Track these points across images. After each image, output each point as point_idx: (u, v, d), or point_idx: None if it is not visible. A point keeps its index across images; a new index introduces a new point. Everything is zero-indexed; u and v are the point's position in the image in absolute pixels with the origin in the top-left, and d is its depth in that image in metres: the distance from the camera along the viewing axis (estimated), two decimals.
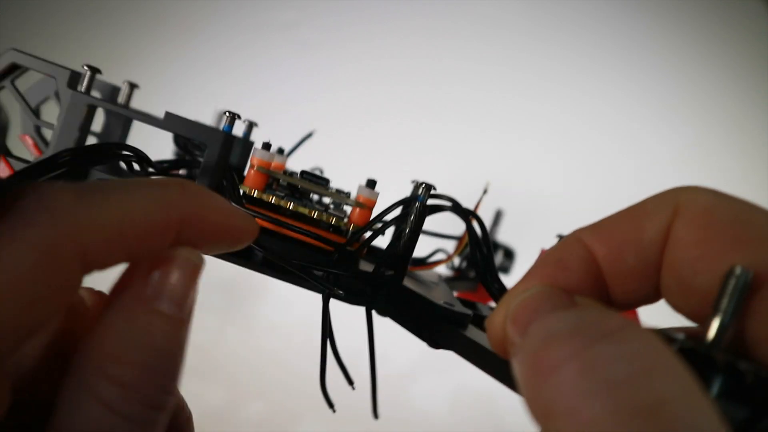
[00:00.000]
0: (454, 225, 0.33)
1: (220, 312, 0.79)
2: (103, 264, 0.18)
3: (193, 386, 0.76)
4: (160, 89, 0.97)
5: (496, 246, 0.48)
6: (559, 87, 0.95)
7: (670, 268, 0.19)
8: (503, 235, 0.49)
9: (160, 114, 0.28)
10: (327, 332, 0.28)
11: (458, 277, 0.40)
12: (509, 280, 0.48)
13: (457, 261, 0.39)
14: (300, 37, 0.99)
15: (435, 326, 0.26)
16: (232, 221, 0.21)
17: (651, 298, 0.20)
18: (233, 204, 0.25)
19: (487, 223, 0.49)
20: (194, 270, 0.20)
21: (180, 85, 0.98)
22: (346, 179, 0.34)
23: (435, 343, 0.27)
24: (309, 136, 0.41)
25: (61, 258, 0.16)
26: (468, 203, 0.32)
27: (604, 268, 0.19)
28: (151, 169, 0.28)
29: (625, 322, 0.16)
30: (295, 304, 0.76)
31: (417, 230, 0.28)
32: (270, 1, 1.00)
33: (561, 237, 0.32)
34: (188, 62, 0.99)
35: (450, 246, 0.37)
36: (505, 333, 0.18)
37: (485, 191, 0.32)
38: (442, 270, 0.36)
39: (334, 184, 0.32)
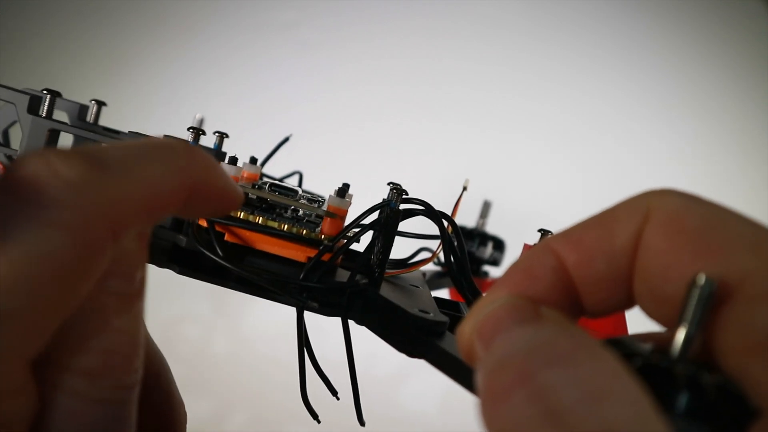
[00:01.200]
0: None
1: (207, 320, 0.79)
2: (127, 235, 0.17)
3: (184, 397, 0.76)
4: (160, 89, 0.97)
5: (486, 237, 0.47)
6: (558, 86, 0.95)
7: (640, 275, 0.18)
8: (494, 227, 0.49)
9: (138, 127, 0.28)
10: (303, 344, 0.28)
11: (446, 272, 0.40)
12: (500, 273, 0.48)
13: (443, 257, 0.39)
14: (300, 37, 0.99)
15: (408, 335, 0.26)
16: (229, 188, 0.21)
17: (625, 305, 0.19)
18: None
19: (475, 215, 0.48)
20: (142, 238, 0.19)
21: (180, 85, 0.98)
22: (339, 179, 0.34)
23: (410, 352, 0.26)
24: (285, 140, 0.40)
25: (97, 238, 0.16)
26: (465, 200, 0.32)
27: (574, 277, 0.19)
28: None
29: (580, 343, 0.15)
30: (282, 311, 0.76)
31: (391, 236, 0.28)
32: (270, 1, 1.00)
33: (543, 231, 0.31)
34: (188, 62, 0.99)
35: (433, 243, 0.37)
36: (472, 345, 0.18)
37: (464, 189, 0.32)
38: (430, 266, 0.36)
39: (324, 186, 0.31)
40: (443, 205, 0.32)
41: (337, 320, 0.30)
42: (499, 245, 0.47)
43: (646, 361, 0.16)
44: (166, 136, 0.25)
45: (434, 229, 0.33)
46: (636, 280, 0.18)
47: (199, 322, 0.80)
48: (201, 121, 0.41)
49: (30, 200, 0.15)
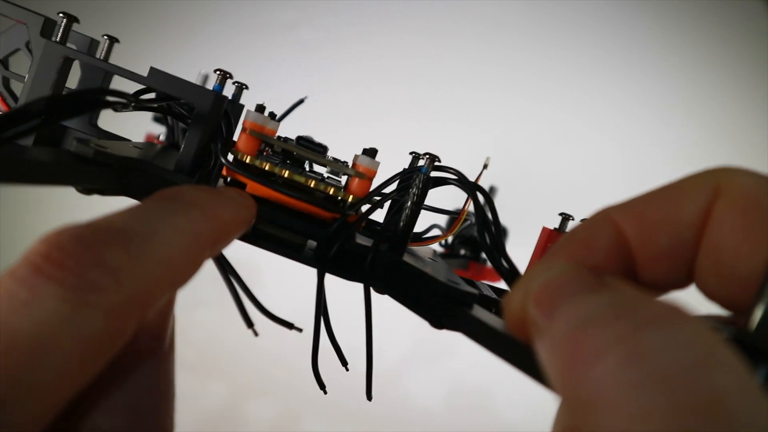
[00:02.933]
0: (447, 201, 0.32)
1: (216, 305, 0.78)
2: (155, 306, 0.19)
3: (194, 384, 0.75)
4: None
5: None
6: (558, 86, 0.95)
7: (708, 252, 0.17)
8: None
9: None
10: (321, 309, 0.26)
11: (449, 254, 0.39)
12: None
13: (450, 238, 0.38)
14: (300, 37, 0.99)
15: (439, 305, 0.24)
16: (242, 226, 0.22)
17: (681, 283, 0.19)
18: (234, 194, 0.24)
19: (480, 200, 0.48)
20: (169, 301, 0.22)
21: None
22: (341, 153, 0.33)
23: (439, 323, 0.25)
24: (301, 101, 0.39)
25: (128, 320, 0.17)
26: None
27: (634, 249, 0.18)
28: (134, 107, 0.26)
29: (672, 308, 0.15)
30: (287, 297, 0.76)
31: (419, 203, 0.27)
32: (270, 2, 1.00)
33: (564, 215, 0.31)
34: (188, 62, 0.99)
35: (440, 220, 0.36)
36: (525, 315, 0.17)
37: (485, 166, 0.31)
38: (436, 247, 0.35)
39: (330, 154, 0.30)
40: (456, 191, 0.31)
41: (352, 303, 0.29)
42: (502, 232, 0.46)
43: (730, 335, 0.16)
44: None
45: (442, 204, 0.33)
46: (701, 256, 0.18)
47: (211, 308, 0.79)
48: (205, 78, 0.40)
49: (70, 282, 0.15)
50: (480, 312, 0.24)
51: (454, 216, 0.34)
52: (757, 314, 0.16)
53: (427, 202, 0.30)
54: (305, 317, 0.29)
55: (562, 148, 0.92)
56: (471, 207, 0.31)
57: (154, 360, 0.21)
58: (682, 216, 0.18)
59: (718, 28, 0.98)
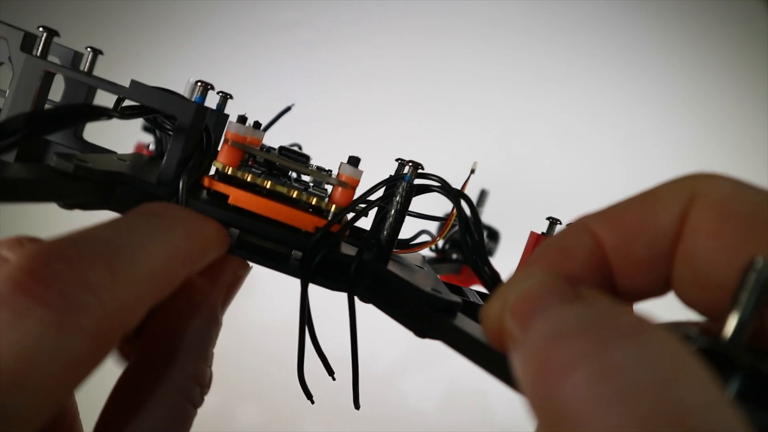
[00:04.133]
0: (437, 205, 0.32)
1: None
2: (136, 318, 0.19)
3: None
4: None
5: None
6: (557, 86, 0.95)
7: (684, 259, 0.17)
8: (488, 216, 0.48)
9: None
10: (305, 319, 0.26)
11: (441, 259, 0.39)
12: (494, 263, 0.47)
13: (440, 243, 0.38)
14: (300, 37, 0.99)
15: (422, 314, 0.24)
16: (223, 248, 0.24)
17: (659, 291, 0.19)
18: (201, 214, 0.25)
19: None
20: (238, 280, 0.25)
21: (179, 86, 0.98)
22: (326, 161, 0.33)
23: (422, 332, 0.25)
24: (287, 109, 0.39)
25: (110, 338, 0.17)
26: (455, 185, 0.31)
27: (611, 258, 0.18)
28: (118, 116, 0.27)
29: (643, 321, 0.15)
30: (282, 301, 0.76)
31: (403, 211, 0.27)
32: (270, 2, 1.00)
33: (551, 219, 0.31)
34: (188, 62, 0.99)
35: (432, 227, 0.36)
36: (502, 325, 0.17)
37: (472, 171, 0.31)
38: (425, 252, 0.35)
39: (315, 163, 0.30)
40: (451, 181, 0.31)
41: (340, 314, 0.29)
42: (493, 235, 0.46)
43: (702, 345, 0.16)
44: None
45: (432, 211, 0.33)
46: (678, 263, 0.18)
47: None
48: (195, 86, 0.40)
49: (54, 303, 0.15)
50: (462, 321, 0.24)
51: (443, 221, 0.34)
52: (731, 323, 0.16)
53: (417, 207, 0.30)
54: (296, 325, 0.30)
55: (559, 149, 0.92)
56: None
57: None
58: (657, 224, 0.18)
59: (718, 28, 0.98)
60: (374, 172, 0.32)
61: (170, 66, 0.99)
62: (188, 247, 0.21)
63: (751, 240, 0.16)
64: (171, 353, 0.23)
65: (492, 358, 0.20)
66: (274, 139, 0.40)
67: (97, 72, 0.28)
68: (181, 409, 0.23)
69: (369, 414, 0.75)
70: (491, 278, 0.27)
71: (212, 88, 0.27)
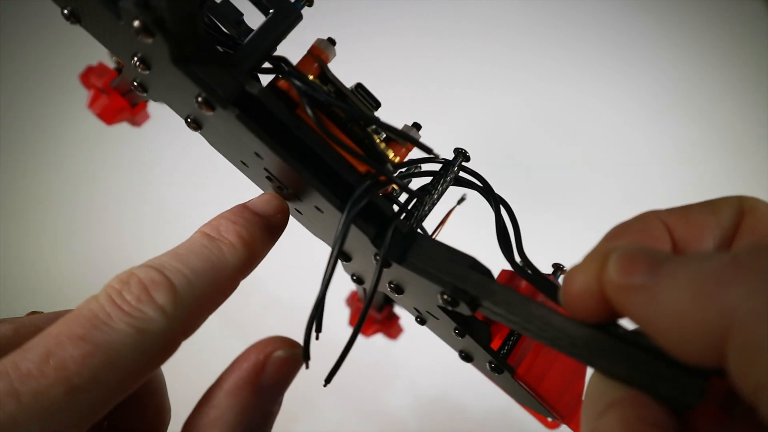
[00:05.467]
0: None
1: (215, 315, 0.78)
2: None
3: (189, 386, 0.75)
4: None
5: None
6: (558, 85, 0.95)
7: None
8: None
9: None
10: (336, 257, 0.24)
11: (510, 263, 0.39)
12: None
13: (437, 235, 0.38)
14: (300, 37, 0.99)
15: (461, 273, 0.23)
16: (274, 241, 0.27)
17: None
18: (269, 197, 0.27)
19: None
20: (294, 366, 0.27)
21: None
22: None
23: (474, 305, 0.23)
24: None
25: (172, 347, 0.23)
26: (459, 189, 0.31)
27: (679, 247, 0.21)
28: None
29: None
30: (282, 301, 0.76)
31: (441, 193, 0.27)
32: None
33: (555, 266, 0.31)
34: None
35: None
36: (604, 285, 0.18)
37: (460, 201, 0.31)
38: None
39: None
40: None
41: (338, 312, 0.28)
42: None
43: None
44: None
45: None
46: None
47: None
48: None
49: (131, 313, 0.22)
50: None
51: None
52: None
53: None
54: (298, 320, 0.29)
55: (558, 148, 0.92)
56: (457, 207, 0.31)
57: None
58: (719, 223, 0.21)
59: (718, 28, 0.98)
60: None
61: None
62: (241, 259, 0.25)
63: None
64: None
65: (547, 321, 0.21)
66: None
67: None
68: None
69: (367, 412, 0.75)
70: (537, 278, 0.26)
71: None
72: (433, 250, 0.25)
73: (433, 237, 0.28)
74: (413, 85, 0.96)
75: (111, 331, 0.21)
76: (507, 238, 0.27)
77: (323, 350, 0.31)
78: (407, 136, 0.26)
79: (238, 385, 0.25)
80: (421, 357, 0.73)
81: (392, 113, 0.97)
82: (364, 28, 0.99)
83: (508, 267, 0.29)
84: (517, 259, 0.27)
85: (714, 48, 0.97)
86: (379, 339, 0.53)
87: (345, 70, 0.99)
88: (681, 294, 0.16)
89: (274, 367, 0.26)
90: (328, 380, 0.26)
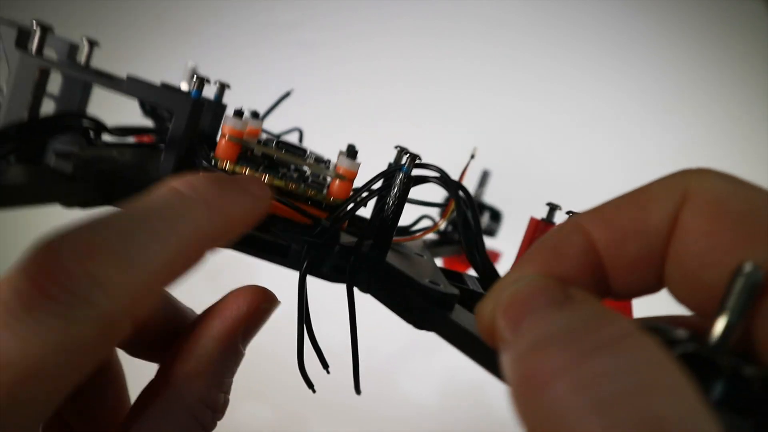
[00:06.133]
0: (436, 190, 0.32)
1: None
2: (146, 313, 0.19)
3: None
4: None
5: (483, 207, 0.46)
6: (558, 85, 0.95)
7: (675, 259, 0.17)
8: (491, 197, 0.48)
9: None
10: (303, 310, 0.26)
11: (442, 241, 0.39)
12: (495, 243, 0.47)
13: (442, 225, 0.38)
14: (300, 37, 0.99)
15: (419, 307, 0.24)
16: (253, 220, 0.22)
17: (653, 288, 0.19)
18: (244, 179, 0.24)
19: (474, 184, 0.48)
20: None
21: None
22: (328, 147, 0.33)
23: (418, 324, 0.25)
24: (287, 95, 0.39)
25: (119, 330, 0.18)
26: (457, 169, 0.31)
27: (604, 257, 0.18)
28: (110, 138, 0.27)
29: (625, 328, 0.15)
30: (281, 299, 0.76)
31: (401, 203, 0.27)
32: (270, 2, 1.01)
33: (551, 205, 0.31)
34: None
35: (432, 211, 0.36)
36: (494, 324, 0.17)
37: (472, 156, 0.31)
38: (429, 234, 0.35)
39: (314, 151, 0.30)
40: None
41: (337, 309, 0.29)
42: (495, 216, 0.46)
43: (689, 350, 0.15)
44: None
45: (435, 196, 0.32)
46: (669, 263, 0.17)
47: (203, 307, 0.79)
48: (194, 70, 0.40)
49: (61, 299, 0.16)
50: (459, 313, 0.24)
51: (443, 206, 0.34)
52: (719, 327, 0.15)
53: (416, 191, 0.30)
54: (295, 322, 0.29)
55: (561, 139, 0.92)
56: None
57: None
58: (650, 222, 0.17)
59: (718, 28, 0.98)
60: (376, 162, 0.32)
61: (170, 67, 0.99)
62: (211, 227, 0.20)
63: (743, 241, 0.16)
64: (186, 375, 0.24)
65: (485, 353, 0.20)
66: (273, 128, 0.40)
67: (94, 64, 0.28)
68: (189, 430, 0.24)
69: (368, 411, 0.75)
70: (489, 272, 0.27)
71: (208, 81, 0.27)
72: (391, 278, 0.26)
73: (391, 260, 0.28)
74: (413, 85, 0.95)
75: (28, 326, 0.16)
76: (469, 229, 0.27)
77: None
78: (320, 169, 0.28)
79: (226, 333, 0.25)
80: (420, 352, 0.73)
81: (392, 113, 0.97)
82: (364, 28, 0.99)
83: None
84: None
85: (714, 48, 0.97)
86: (377, 336, 0.53)
87: (345, 70, 0.99)
88: (509, 374, 0.16)
89: (254, 318, 0.25)
90: (357, 387, 0.28)
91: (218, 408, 0.25)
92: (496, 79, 0.96)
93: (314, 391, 0.28)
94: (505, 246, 0.29)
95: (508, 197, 0.51)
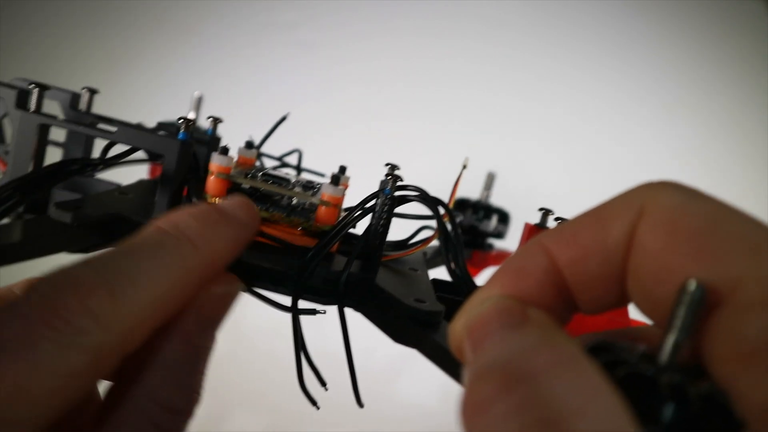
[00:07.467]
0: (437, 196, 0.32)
1: None
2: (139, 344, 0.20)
3: None
4: (159, 90, 0.97)
5: (490, 210, 0.46)
6: (557, 85, 0.95)
7: (633, 276, 0.17)
8: (498, 199, 0.47)
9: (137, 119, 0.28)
10: (299, 335, 0.27)
11: (443, 261, 0.39)
12: (505, 245, 0.47)
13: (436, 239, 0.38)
14: (300, 37, 0.99)
15: (402, 326, 0.26)
16: (239, 248, 0.23)
17: (619, 303, 0.19)
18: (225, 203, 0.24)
19: (479, 187, 0.48)
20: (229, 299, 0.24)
21: (180, 86, 0.98)
22: (339, 161, 0.34)
23: (399, 339, 0.26)
24: (283, 120, 0.40)
25: (109, 358, 0.19)
26: (458, 170, 0.31)
27: (567, 275, 0.18)
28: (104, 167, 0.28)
29: (561, 353, 0.15)
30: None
31: (386, 224, 0.28)
32: (270, 2, 1.01)
33: (544, 210, 0.31)
34: (187, 63, 0.99)
35: (433, 222, 0.36)
36: (462, 344, 0.18)
37: (464, 167, 0.31)
38: (434, 242, 0.36)
39: (307, 168, 0.30)
40: (450, 182, 0.32)
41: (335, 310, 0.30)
42: (503, 218, 0.45)
43: (631, 370, 0.16)
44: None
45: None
46: (629, 279, 0.18)
47: None
48: (199, 100, 0.41)
49: (59, 327, 0.18)
50: (444, 330, 0.25)
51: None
52: (668, 345, 0.16)
53: (414, 205, 0.30)
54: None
55: (568, 126, 0.92)
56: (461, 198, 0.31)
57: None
58: (609, 240, 0.18)
59: (718, 28, 0.98)
60: (376, 162, 0.32)
61: (170, 67, 0.99)
62: (197, 262, 0.21)
63: (694, 259, 0.16)
64: (137, 378, 0.23)
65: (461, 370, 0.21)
66: (274, 143, 0.40)
67: (97, 82, 0.29)
68: None
69: (368, 412, 0.75)
70: (465, 285, 0.28)
71: (194, 123, 0.28)
72: (379, 297, 0.27)
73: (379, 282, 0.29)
74: (413, 85, 0.96)
75: (30, 352, 0.17)
76: (449, 243, 0.28)
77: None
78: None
79: (176, 329, 0.23)
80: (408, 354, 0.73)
81: (392, 113, 0.97)
82: (364, 28, 0.99)
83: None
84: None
85: (714, 48, 0.97)
86: (375, 338, 0.53)
87: (345, 70, 0.99)
88: (463, 395, 0.16)
89: (211, 303, 0.24)
90: (358, 401, 0.28)
91: (181, 410, 0.23)
92: (496, 79, 0.96)
93: (318, 408, 0.28)
94: (513, 247, 0.30)
95: (514, 197, 0.51)
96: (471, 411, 0.15)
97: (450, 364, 0.22)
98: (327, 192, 0.28)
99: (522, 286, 0.19)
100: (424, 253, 0.35)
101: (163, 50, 0.99)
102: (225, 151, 0.28)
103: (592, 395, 0.14)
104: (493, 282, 0.19)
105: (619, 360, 0.16)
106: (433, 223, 0.35)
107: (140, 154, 0.29)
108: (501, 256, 0.47)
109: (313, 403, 0.28)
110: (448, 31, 1.00)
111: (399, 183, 0.28)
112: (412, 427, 0.74)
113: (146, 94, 0.97)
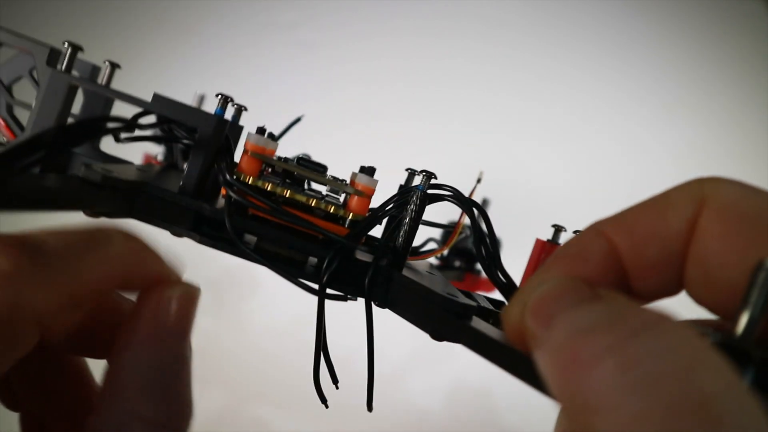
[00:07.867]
0: (441, 214, 0.32)
1: (213, 312, 0.78)
2: (55, 324, 0.19)
3: (193, 391, 0.75)
4: (158, 90, 0.96)
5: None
6: (557, 86, 0.95)
7: (695, 261, 0.18)
8: (494, 208, 0.48)
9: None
10: (322, 326, 0.27)
11: (444, 266, 0.39)
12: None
13: (446, 250, 0.38)
14: (300, 37, 0.99)
15: (439, 318, 0.25)
16: (164, 271, 0.23)
17: (672, 291, 0.20)
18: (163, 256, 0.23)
19: (476, 194, 0.48)
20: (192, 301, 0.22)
21: (180, 86, 0.98)
22: (339, 170, 0.34)
23: (439, 335, 0.25)
24: (297, 120, 0.40)
25: (19, 324, 0.17)
26: (458, 169, 0.31)
27: (625, 261, 0.19)
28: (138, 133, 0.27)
29: (661, 316, 0.16)
30: (285, 302, 0.76)
31: (417, 219, 0.27)
32: (270, 2, 1.00)
33: (556, 227, 0.31)
34: (188, 63, 0.99)
35: (436, 234, 0.36)
36: (523, 326, 0.18)
37: (479, 180, 0.31)
38: (432, 260, 0.36)
39: (318, 151, 0.30)
40: (450, 182, 0.32)
41: (341, 312, 0.30)
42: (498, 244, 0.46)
43: (716, 340, 0.16)
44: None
45: (435, 218, 0.33)
46: (689, 265, 0.19)
47: (208, 314, 0.79)
48: (201, 98, 0.41)
49: None
50: (479, 323, 0.24)
51: (449, 229, 0.34)
52: (743, 320, 0.16)
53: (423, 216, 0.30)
54: (305, 318, 0.30)
55: (560, 153, 0.92)
56: (466, 220, 0.32)
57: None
58: (669, 227, 0.19)
59: (718, 28, 0.98)
60: (375, 163, 0.32)
61: (170, 67, 0.99)
62: (121, 267, 0.21)
63: (758, 242, 0.17)
64: (112, 391, 0.21)
65: (512, 358, 0.21)
66: (280, 146, 0.40)
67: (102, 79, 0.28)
68: None
69: (374, 413, 0.75)
70: (506, 284, 0.28)
71: (232, 100, 0.28)
72: (410, 291, 0.26)
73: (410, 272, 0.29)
74: (413, 85, 0.95)
75: None
76: (485, 245, 0.28)
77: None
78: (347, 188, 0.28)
79: (147, 333, 0.22)
80: (426, 357, 0.73)
81: (393, 113, 0.97)
82: (364, 28, 0.99)
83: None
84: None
85: (714, 48, 0.97)
86: (384, 340, 0.53)
87: (345, 70, 0.99)
88: (546, 365, 0.16)
89: (172, 308, 0.22)
90: (369, 404, 0.28)
91: (164, 424, 0.22)
92: (496, 79, 0.96)
93: (327, 407, 0.28)
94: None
95: (515, 197, 0.51)
96: (574, 370, 0.15)
97: (496, 353, 0.22)
98: (361, 182, 0.28)
99: (583, 270, 0.19)
100: (431, 264, 0.35)
101: (163, 50, 0.99)
102: (262, 130, 0.28)
103: (702, 352, 0.15)
104: (551, 266, 0.20)
105: (701, 333, 0.17)
106: (437, 236, 0.35)
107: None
108: (488, 284, 0.47)
109: (324, 401, 0.28)
110: (448, 31, 1.00)
111: (432, 181, 0.28)
112: (415, 428, 0.75)
113: (146, 94, 0.96)
